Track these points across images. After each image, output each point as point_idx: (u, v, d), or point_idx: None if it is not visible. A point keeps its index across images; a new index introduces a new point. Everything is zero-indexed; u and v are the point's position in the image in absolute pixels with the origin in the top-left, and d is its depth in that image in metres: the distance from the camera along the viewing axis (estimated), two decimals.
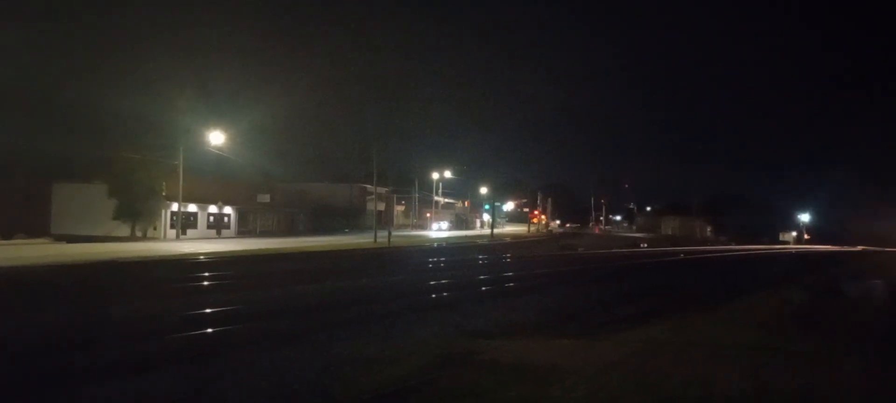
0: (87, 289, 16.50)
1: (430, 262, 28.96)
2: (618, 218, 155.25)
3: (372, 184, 62.27)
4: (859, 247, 67.98)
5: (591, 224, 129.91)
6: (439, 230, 72.91)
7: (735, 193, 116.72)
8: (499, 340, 10.66)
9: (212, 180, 50.63)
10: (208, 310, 12.91)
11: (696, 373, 7.86)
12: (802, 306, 15.34)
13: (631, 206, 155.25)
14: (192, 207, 48.62)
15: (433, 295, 16.92)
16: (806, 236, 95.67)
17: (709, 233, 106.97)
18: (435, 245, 44.57)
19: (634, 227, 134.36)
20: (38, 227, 43.40)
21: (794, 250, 63.76)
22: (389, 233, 48.02)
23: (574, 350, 9.49)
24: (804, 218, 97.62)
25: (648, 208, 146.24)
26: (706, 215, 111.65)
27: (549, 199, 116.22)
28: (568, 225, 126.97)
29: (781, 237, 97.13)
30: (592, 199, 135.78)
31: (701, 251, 49.26)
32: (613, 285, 21.84)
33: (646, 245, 69.94)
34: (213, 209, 52.48)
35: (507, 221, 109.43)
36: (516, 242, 57.25)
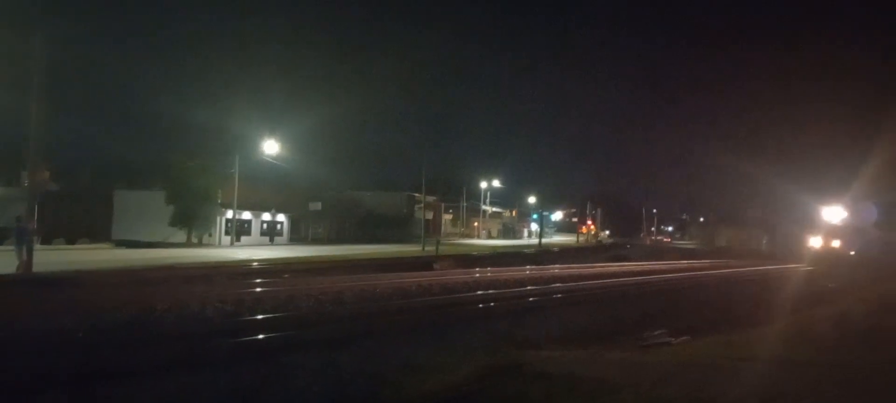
0: (152, 292, 16.98)
1: (478, 271, 28.96)
2: (669, 228, 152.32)
3: (420, 193, 62.63)
4: None
5: (642, 234, 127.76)
6: (487, 239, 72.82)
7: (788, 203, 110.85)
8: (547, 351, 10.60)
9: (265, 187, 51.72)
10: (260, 317, 13.21)
11: (752, 389, 7.67)
12: (862, 321, 14.76)
13: (683, 217, 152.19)
14: (246, 214, 49.74)
15: (480, 305, 16.92)
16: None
17: (764, 245, 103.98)
18: (482, 254, 44.52)
19: (686, 238, 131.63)
20: (100, 232, 45.04)
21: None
22: (437, 243, 48.17)
23: (625, 364, 9.38)
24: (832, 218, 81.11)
25: (701, 219, 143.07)
26: (761, 226, 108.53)
27: (599, 209, 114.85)
28: (618, 235, 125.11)
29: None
30: (643, 209, 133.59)
31: (755, 263, 47.92)
32: (663, 298, 21.47)
33: (698, 257, 68.25)
34: (266, 216, 53.58)
35: (556, 231, 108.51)
36: (564, 252, 56.75)
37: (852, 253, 55.47)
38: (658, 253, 71.32)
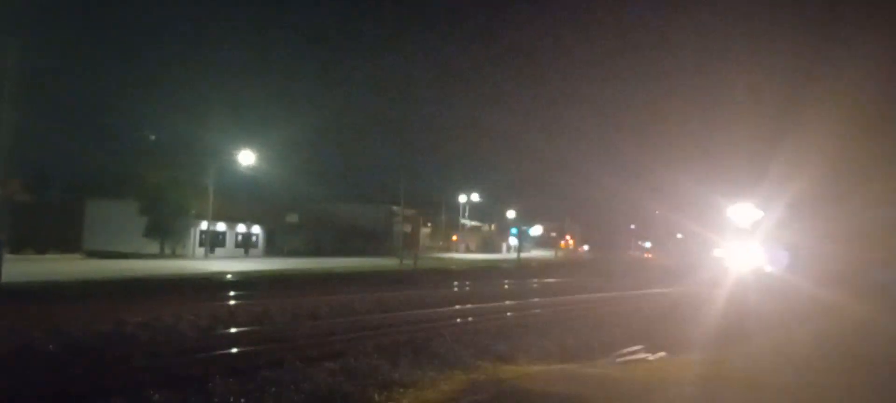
0: (124, 305, 16.63)
1: (456, 286, 28.88)
2: (647, 244, 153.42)
3: (398, 206, 62.48)
4: None
5: (620, 250, 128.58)
6: (466, 252, 72.78)
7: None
8: (526, 367, 10.54)
9: (241, 199, 51.22)
10: (233, 331, 13.00)
11: None
12: (836, 340, 14.89)
13: (661, 233, 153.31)
14: (220, 226, 49.15)
15: (458, 321, 16.82)
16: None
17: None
18: (461, 268, 44.45)
19: (662, 254, 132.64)
20: (71, 243, 44.19)
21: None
22: (416, 257, 48.00)
23: (603, 380, 9.35)
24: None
25: (679, 235, 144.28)
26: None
27: (578, 225, 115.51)
28: (602, 250, 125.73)
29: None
30: (622, 225, 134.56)
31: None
32: (642, 315, 21.51)
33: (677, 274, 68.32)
34: (241, 228, 52.99)
35: (535, 246, 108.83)
36: (543, 268, 56.84)
37: (769, 269, 46.70)
38: (638, 269, 71.42)
